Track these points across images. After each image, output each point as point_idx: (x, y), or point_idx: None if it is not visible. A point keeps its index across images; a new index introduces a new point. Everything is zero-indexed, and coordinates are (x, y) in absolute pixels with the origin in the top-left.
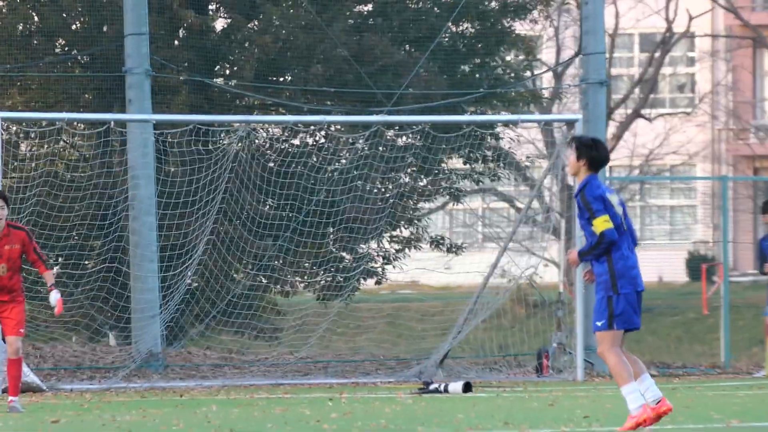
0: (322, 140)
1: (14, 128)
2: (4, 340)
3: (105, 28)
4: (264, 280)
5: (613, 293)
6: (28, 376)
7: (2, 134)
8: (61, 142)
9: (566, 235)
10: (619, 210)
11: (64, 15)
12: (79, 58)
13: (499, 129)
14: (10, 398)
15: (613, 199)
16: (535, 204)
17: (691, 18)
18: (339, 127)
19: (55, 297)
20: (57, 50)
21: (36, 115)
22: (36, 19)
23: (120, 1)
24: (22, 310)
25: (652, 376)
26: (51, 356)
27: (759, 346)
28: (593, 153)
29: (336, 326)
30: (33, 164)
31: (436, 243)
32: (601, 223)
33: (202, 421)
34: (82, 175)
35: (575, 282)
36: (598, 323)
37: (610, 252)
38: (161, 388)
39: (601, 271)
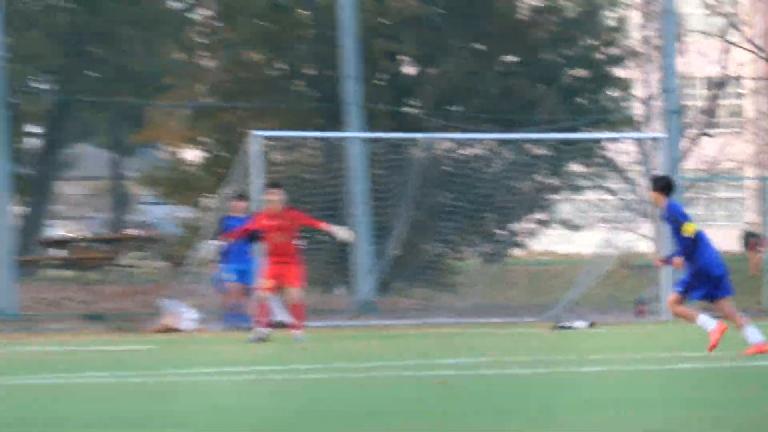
0: (481, 152)
1: (270, 143)
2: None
3: (330, 72)
4: (444, 250)
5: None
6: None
7: (263, 147)
8: (302, 152)
9: (653, 217)
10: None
11: (302, 63)
12: (311, 93)
13: (605, 144)
14: (296, 332)
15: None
16: (632, 196)
17: (739, 65)
18: (492, 142)
19: (343, 230)
20: (296, 88)
21: (289, 133)
22: (286, 66)
23: (341, 53)
24: (299, 268)
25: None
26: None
27: None
28: (663, 184)
29: (494, 282)
30: (282, 168)
31: (563, 223)
32: (691, 226)
33: (403, 348)
34: (315, 177)
35: (661, 251)
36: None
37: (697, 248)
38: (374, 325)
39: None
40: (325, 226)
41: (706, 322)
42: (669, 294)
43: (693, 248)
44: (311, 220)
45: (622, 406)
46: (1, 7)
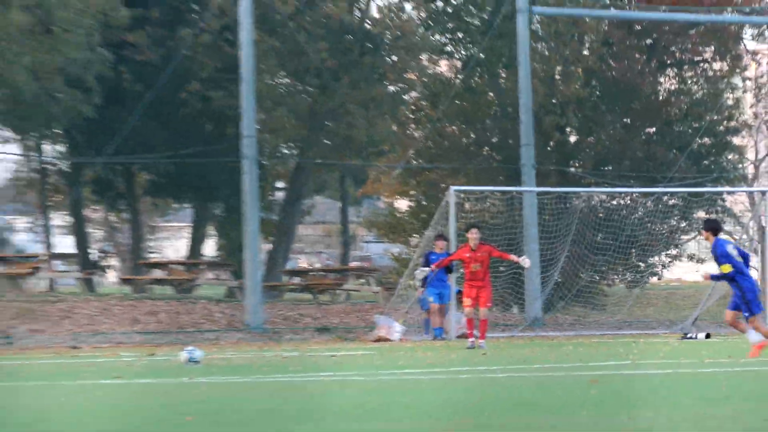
0: (628, 202)
1: (463, 195)
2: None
3: (510, 141)
4: (597, 277)
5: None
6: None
7: (458, 199)
8: (488, 203)
9: (762, 252)
10: (736, 255)
11: (489, 134)
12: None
13: (725, 195)
14: (481, 341)
15: (732, 250)
16: (744, 236)
17: None
18: (636, 194)
19: (526, 259)
20: (484, 153)
21: (478, 188)
22: (475, 136)
23: (519, 126)
24: (490, 291)
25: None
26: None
27: None
28: (712, 225)
29: (635, 303)
30: (472, 215)
31: (690, 258)
32: (725, 268)
33: (563, 354)
34: (498, 222)
35: (765, 276)
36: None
37: (736, 279)
38: (540, 335)
39: (734, 288)
40: (512, 257)
41: (752, 335)
42: (726, 312)
43: (732, 278)
44: (501, 252)
45: (737, 400)
46: (252, 93)
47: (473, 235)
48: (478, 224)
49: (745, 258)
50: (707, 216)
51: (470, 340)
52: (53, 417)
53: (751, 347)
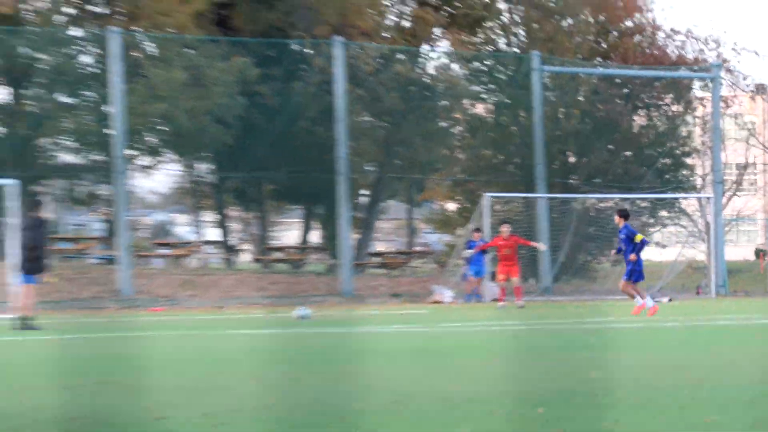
0: (611, 204)
1: (494, 199)
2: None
3: (528, 161)
4: (590, 258)
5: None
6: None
7: (490, 202)
8: (511, 205)
9: (707, 240)
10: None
11: (513, 156)
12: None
13: (681, 201)
14: (518, 301)
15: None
16: (694, 228)
17: (755, 156)
18: (618, 198)
19: (541, 245)
20: (509, 170)
21: (505, 195)
22: (503, 157)
23: (534, 150)
24: (518, 268)
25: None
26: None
27: None
28: (623, 213)
29: (617, 277)
30: (500, 214)
31: (657, 244)
32: (639, 236)
33: (567, 313)
34: (519, 218)
35: (710, 259)
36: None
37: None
38: (550, 300)
39: (628, 262)
40: (531, 243)
41: (644, 300)
42: (620, 281)
43: (633, 250)
44: (524, 240)
45: (685, 349)
46: (344, 128)
47: (505, 228)
48: (508, 220)
49: (645, 243)
50: (619, 206)
51: (500, 303)
52: (211, 353)
53: (635, 308)
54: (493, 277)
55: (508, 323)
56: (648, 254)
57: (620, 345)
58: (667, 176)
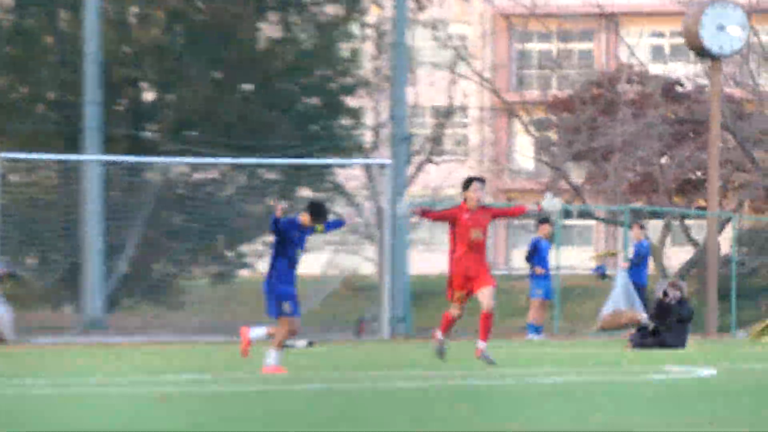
0: (216, 175)
1: (8, 164)
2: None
3: (71, 97)
4: (174, 269)
5: None
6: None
7: (1, 168)
8: (40, 174)
9: (380, 240)
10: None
11: (45, 87)
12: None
13: (335, 169)
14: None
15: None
16: (359, 219)
17: (466, 96)
18: (227, 166)
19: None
20: (37, 112)
21: (28, 155)
22: (28, 90)
23: (83, 79)
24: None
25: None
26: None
27: (509, 317)
28: (316, 210)
29: (222, 301)
30: (20, 189)
31: None
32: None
33: (129, 365)
34: (53, 198)
35: (383, 274)
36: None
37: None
38: (101, 342)
39: None
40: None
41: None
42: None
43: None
44: (501, 210)
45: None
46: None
47: None
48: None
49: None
50: (312, 196)
51: None
52: None
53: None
54: None
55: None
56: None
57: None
58: (314, 127)
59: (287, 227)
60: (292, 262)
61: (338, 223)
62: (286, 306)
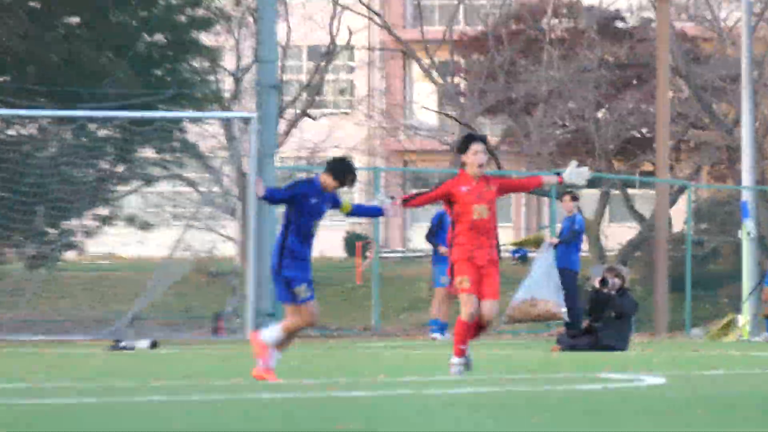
0: (35, 132)
1: None
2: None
3: None
4: None
5: None
6: None
7: None
8: None
9: (242, 214)
10: None
11: None
12: None
13: (186, 124)
14: None
15: None
16: (216, 188)
17: (351, 33)
18: (49, 120)
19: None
20: None
21: None
22: None
23: None
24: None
25: (312, 336)
26: None
27: (407, 312)
28: (333, 168)
29: (42, 291)
30: None
31: (130, 221)
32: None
33: None
34: None
35: (247, 257)
36: None
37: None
38: None
39: None
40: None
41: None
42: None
43: None
44: (508, 179)
45: None
46: None
47: None
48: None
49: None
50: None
51: None
52: None
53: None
54: None
55: None
56: (112, 242)
57: None
58: (158, 72)
59: (303, 190)
60: (307, 237)
61: (373, 210)
62: (301, 290)
